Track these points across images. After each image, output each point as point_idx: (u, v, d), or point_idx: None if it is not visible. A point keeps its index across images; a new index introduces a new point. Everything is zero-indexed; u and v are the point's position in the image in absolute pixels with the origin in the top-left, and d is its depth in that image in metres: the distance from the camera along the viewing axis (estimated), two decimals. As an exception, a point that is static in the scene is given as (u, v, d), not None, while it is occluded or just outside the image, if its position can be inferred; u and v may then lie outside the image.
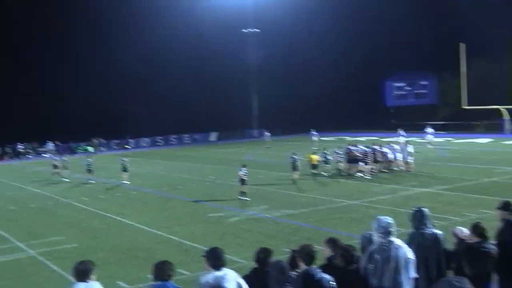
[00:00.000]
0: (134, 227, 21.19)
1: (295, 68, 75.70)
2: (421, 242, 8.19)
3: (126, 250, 17.74)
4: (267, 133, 58.52)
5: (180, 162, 45.29)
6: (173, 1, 68.45)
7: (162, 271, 6.37)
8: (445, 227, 16.63)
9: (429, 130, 48.94)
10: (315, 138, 50.96)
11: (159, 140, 67.99)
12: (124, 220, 22.59)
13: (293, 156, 31.21)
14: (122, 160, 34.98)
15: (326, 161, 33.48)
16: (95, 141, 63.61)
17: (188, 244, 17.99)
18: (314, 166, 32.31)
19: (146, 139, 67.41)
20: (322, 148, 37.28)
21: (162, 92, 67.90)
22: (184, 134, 70.35)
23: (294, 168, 30.91)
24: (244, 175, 25.92)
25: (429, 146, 45.12)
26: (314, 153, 34.43)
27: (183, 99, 68.90)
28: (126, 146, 64.41)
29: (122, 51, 66.58)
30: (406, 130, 48.30)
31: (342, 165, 33.04)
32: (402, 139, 43.39)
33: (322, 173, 32.58)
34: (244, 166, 26.58)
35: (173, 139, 69.31)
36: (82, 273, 6.95)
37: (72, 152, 60.34)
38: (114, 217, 23.35)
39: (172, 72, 68.26)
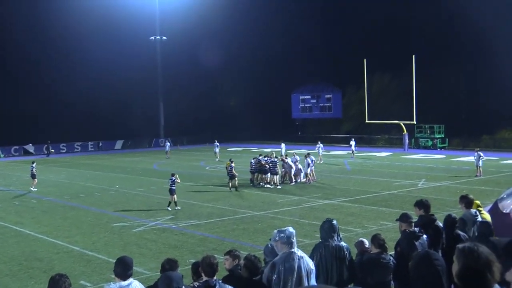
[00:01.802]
0: (32, 236, 20.41)
1: (201, 78, 75.76)
2: (323, 253, 8.33)
3: (23, 261, 17.02)
4: (167, 143, 57.87)
5: (83, 170, 44.12)
6: (81, 9, 66.66)
7: (58, 284, 6.13)
8: (348, 238, 17.05)
9: (352, 142, 50.41)
10: (217, 149, 51.00)
11: (62, 147, 65.89)
12: (22, 229, 21.70)
13: (231, 165, 30.97)
14: (31, 165, 33.71)
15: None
16: None
17: (90, 255, 17.52)
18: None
19: (46, 146, 65.06)
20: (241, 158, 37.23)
21: (66, 98, 66.05)
22: (88, 141, 68.55)
23: (231, 176, 30.70)
24: (172, 184, 25.45)
25: (321, 162, 44.82)
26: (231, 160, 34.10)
27: (88, 106, 67.34)
28: (52, 150, 61.92)
29: (26, 54, 64.52)
30: (311, 143, 49.13)
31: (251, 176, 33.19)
32: (283, 151, 45.34)
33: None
34: (173, 175, 26.06)
35: (77, 146, 67.40)
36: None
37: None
38: (12, 226, 22.39)
39: (78, 78, 66.75)
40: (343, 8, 70.85)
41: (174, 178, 25.61)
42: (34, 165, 33.71)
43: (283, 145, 48.29)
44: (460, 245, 4.26)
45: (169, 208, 25.04)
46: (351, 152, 49.84)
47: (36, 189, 32.56)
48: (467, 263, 4.07)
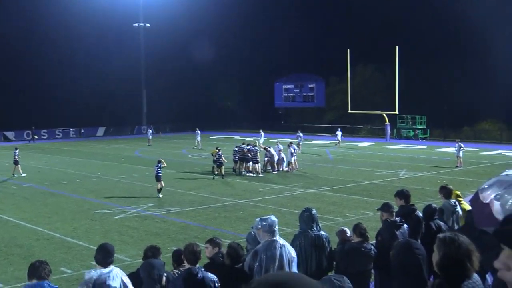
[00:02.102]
0: (12, 223, 20.25)
1: (185, 66, 75.43)
2: (303, 243, 8.35)
3: (3, 247, 16.89)
4: (149, 130, 57.81)
5: (65, 157, 43.83)
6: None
7: (38, 270, 6.10)
8: (329, 227, 17.16)
9: (338, 132, 50.73)
10: (198, 137, 50.74)
11: (44, 134, 65.30)
12: (2, 216, 21.51)
13: (218, 152, 31.15)
14: (14, 151, 33.41)
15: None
16: None
17: (71, 241, 17.43)
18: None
19: (29, 132, 64.49)
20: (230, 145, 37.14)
21: (47, 84, 65.49)
22: (70, 128, 68.03)
23: (219, 164, 30.88)
24: (158, 170, 25.29)
25: (298, 152, 44.53)
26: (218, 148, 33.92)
27: (70, 92, 66.71)
28: (36, 137, 61.48)
29: (7, 40, 63.87)
30: (294, 132, 49.26)
31: (234, 165, 33.14)
32: (261, 140, 46.21)
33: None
34: (159, 162, 25.87)
35: (59, 133, 66.90)
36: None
37: None
38: (-8, 212, 22.24)
39: (60, 64, 66.17)
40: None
41: (160, 165, 25.51)
42: (17, 151, 33.43)
43: (262, 133, 48.65)
44: (441, 235, 4.30)
45: (160, 195, 24.95)
46: (337, 141, 49.97)
47: (25, 174, 32.43)
48: (447, 253, 4.11)
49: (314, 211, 8.54)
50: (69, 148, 52.49)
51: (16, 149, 34.02)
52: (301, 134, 46.84)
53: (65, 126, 67.37)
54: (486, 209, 9.59)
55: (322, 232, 8.51)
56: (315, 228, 8.42)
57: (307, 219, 8.41)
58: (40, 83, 65.37)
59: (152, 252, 7.54)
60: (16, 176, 32.27)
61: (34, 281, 6.11)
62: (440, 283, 4.19)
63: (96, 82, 69.20)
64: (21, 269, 13.84)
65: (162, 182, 25.36)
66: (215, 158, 31.15)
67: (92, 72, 68.71)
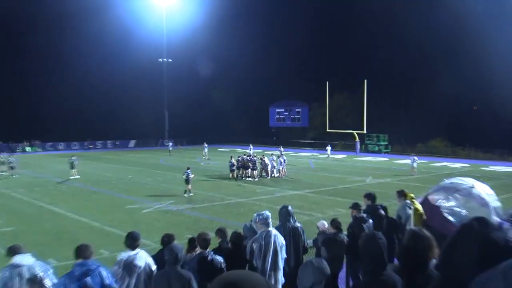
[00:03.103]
0: (62, 214, 20.28)
1: (198, 92, 75.89)
2: (282, 233, 8.36)
3: (55, 233, 16.94)
4: (170, 143, 57.82)
5: (103, 163, 43.83)
6: (106, 40, 66.44)
7: (84, 251, 6.19)
8: (311, 221, 17.21)
9: (328, 147, 51.48)
10: (206, 149, 50.72)
11: (86, 145, 65.35)
12: (54, 208, 21.57)
13: (231, 161, 31.99)
14: (71, 158, 33.30)
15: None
16: (26, 142, 60.11)
17: (108, 230, 17.47)
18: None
19: (76, 143, 64.65)
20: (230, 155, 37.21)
21: (91, 105, 65.84)
22: (108, 140, 68.26)
23: (232, 170, 32.01)
24: (187, 175, 25.16)
25: (280, 160, 45.50)
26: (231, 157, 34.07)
27: (110, 112, 66.99)
28: (90, 146, 62.41)
29: (58, 66, 64.13)
30: (284, 146, 49.31)
31: (236, 171, 33.22)
32: (251, 152, 45.73)
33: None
34: (188, 168, 25.85)
35: (99, 144, 66.97)
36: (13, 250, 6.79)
37: (12, 151, 56.47)
38: (46, 206, 22.24)
39: (102, 93, 66.70)
40: (312, 42, 71.82)
41: (189, 172, 25.40)
42: (74, 158, 33.30)
43: (251, 146, 49.42)
44: (408, 229, 4.37)
45: (191, 194, 24.84)
46: (327, 155, 50.27)
47: (78, 176, 32.25)
48: (406, 244, 4.16)
49: (289, 207, 8.41)
50: (107, 156, 52.49)
51: (72, 156, 33.92)
52: (282, 149, 46.70)
53: (104, 139, 67.57)
54: (436, 210, 9.68)
55: (297, 224, 8.45)
56: (291, 221, 8.35)
57: (285, 214, 8.34)
58: (87, 107, 65.85)
59: (168, 238, 7.57)
60: (78, 177, 32.17)
61: (81, 260, 6.18)
62: (398, 268, 4.23)
63: (128, 104, 69.47)
64: (69, 250, 13.83)
65: (190, 185, 25.30)
66: (229, 164, 31.74)
67: (125, 97, 68.95)
